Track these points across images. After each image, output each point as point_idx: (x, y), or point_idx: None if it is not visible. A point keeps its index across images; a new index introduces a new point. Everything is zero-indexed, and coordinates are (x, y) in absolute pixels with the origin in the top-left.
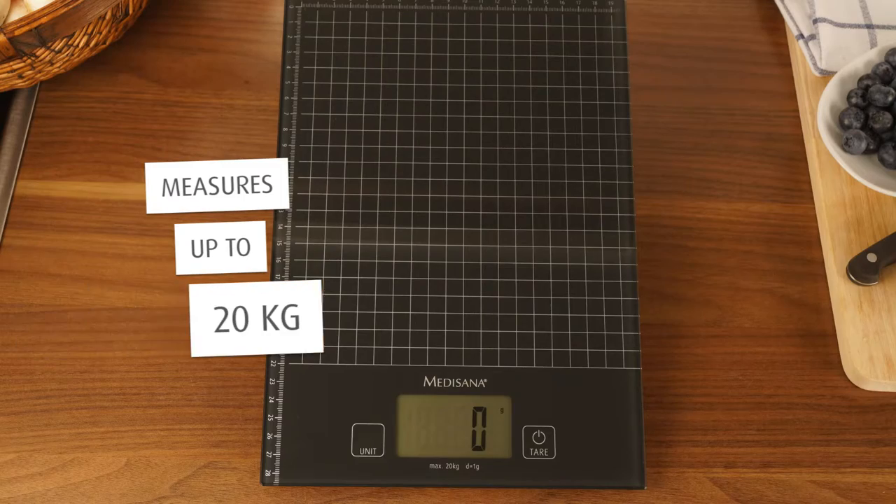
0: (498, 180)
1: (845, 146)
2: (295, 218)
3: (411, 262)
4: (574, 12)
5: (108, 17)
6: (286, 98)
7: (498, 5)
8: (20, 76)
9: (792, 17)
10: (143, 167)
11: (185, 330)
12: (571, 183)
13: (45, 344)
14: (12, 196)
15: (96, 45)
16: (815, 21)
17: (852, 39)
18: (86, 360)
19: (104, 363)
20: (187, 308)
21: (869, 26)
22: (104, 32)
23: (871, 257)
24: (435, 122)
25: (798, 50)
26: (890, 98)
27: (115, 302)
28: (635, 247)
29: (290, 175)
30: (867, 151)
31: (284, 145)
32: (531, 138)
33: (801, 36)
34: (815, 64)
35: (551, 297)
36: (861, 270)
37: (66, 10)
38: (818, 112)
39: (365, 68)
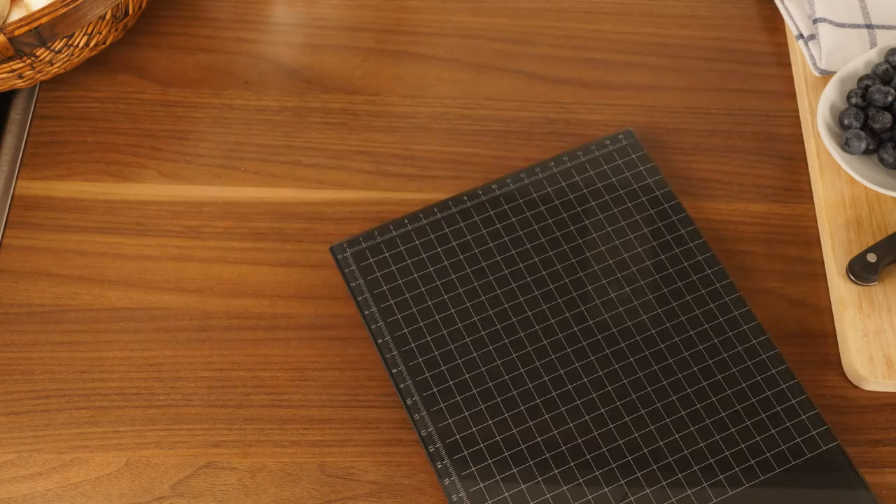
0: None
1: (845, 146)
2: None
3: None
4: (595, 156)
5: (108, 17)
6: (380, 341)
7: (525, 179)
8: (20, 76)
9: (792, 17)
10: (143, 167)
11: (185, 329)
12: (688, 315)
13: (44, 344)
14: (12, 196)
15: (96, 45)
16: (815, 21)
17: (852, 39)
18: (85, 360)
19: (104, 363)
20: (187, 308)
21: (869, 26)
22: (104, 32)
23: (871, 257)
24: (521, 315)
25: (798, 50)
26: (889, 98)
27: (115, 302)
28: (768, 334)
29: (425, 411)
30: (867, 151)
31: (401, 386)
32: (623, 281)
33: (801, 36)
34: (814, 64)
35: (708, 421)
36: (861, 270)
37: (66, 10)
38: (818, 112)
39: (436, 283)
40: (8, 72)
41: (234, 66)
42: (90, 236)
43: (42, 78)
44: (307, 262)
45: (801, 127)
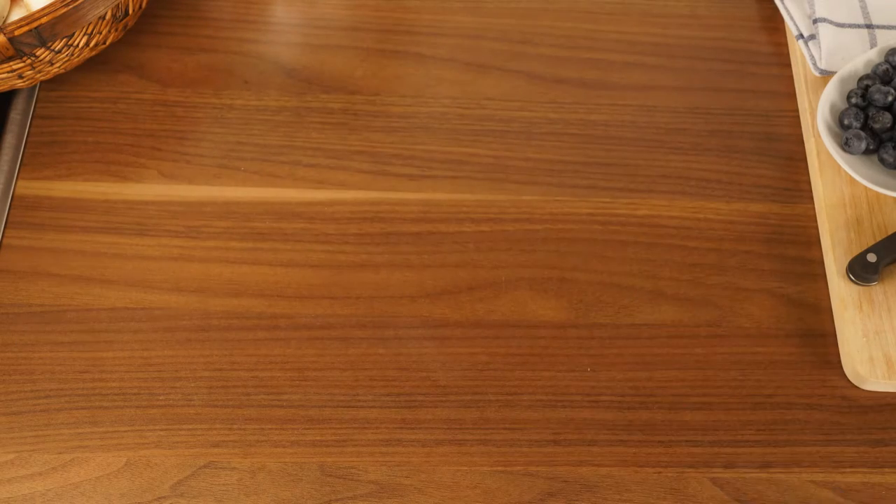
0: None
1: (845, 146)
2: None
3: None
4: None
5: (108, 17)
6: None
7: None
8: (20, 76)
9: (792, 17)
10: (143, 167)
11: (185, 329)
12: None
13: (44, 344)
14: (12, 196)
15: (96, 45)
16: (815, 21)
17: (852, 39)
18: (85, 360)
19: (104, 363)
20: (186, 308)
21: (869, 26)
22: (104, 32)
23: (871, 257)
24: None
25: (798, 50)
26: (890, 98)
27: (115, 302)
28: None
29: None
30: (867, 151)
31: None
32: None
33: (801, 36)
34: (814, 64)
35: None
36: (861, 270)
37: (65, 10)
38: (818, 112)
39: None
40: (8, 72)
41: (234, 66)
42: (90, 236)
43: (42, 78)
44: (307, 262)
45: (800, 127)
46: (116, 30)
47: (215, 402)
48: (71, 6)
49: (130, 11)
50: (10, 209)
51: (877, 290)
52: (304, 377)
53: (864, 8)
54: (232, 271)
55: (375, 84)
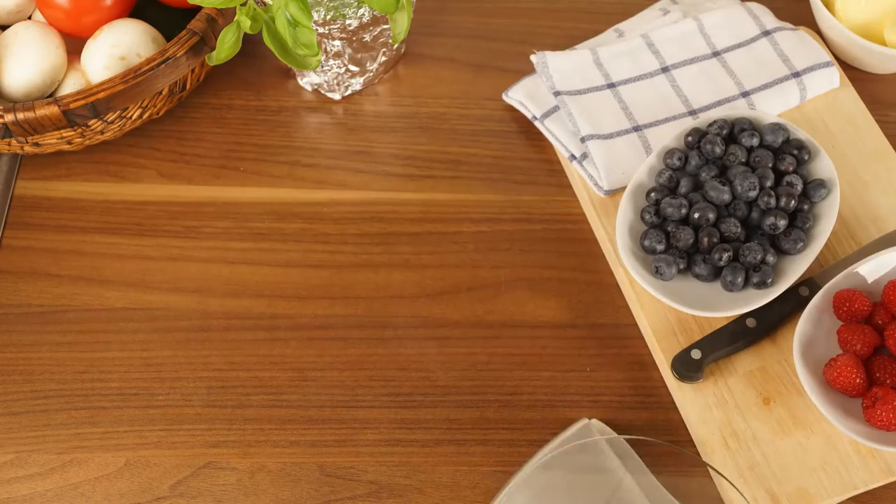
0: None
1: (656, 274)
2: None
3: None
4: None
5: (164, 92)
6: None
7: None
8: (69, 143)
9: (558, 139)
10: (142, 167)
11: (184, 330)
12: None
13: (44, 344)
14: (11, 196)
15: (150, 116)
16: (583, 139)
17: (625, 148)
18: (85, 361)
19: (103, 363)
20: (186, 308)
21: (636, 128)
22: (158, 106)
23: (696, 354)
24: None
25: (575, 173)
26: (683, 210)
27: (114, 302)
28: None
29: None
30: (680, 271)
31: None
32: None
33: (574, 157)
34: (596, 184)
35: None
36: (683, 368)
37: (124, 87)
38: (618, 241)
39: None
40: (57, 138)
41: (233, 66)
42: (89, 236)
43: (89, 143)
44: (307, 262)
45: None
46: (171, 102)
47: (215, 402)
48: (131, 83)
49: (188, 86)
50: (9, 209)
51: (736, 419)
52: (304, 377)
53: (625, 109)
54: (231, 271)
55: (375, 84)
